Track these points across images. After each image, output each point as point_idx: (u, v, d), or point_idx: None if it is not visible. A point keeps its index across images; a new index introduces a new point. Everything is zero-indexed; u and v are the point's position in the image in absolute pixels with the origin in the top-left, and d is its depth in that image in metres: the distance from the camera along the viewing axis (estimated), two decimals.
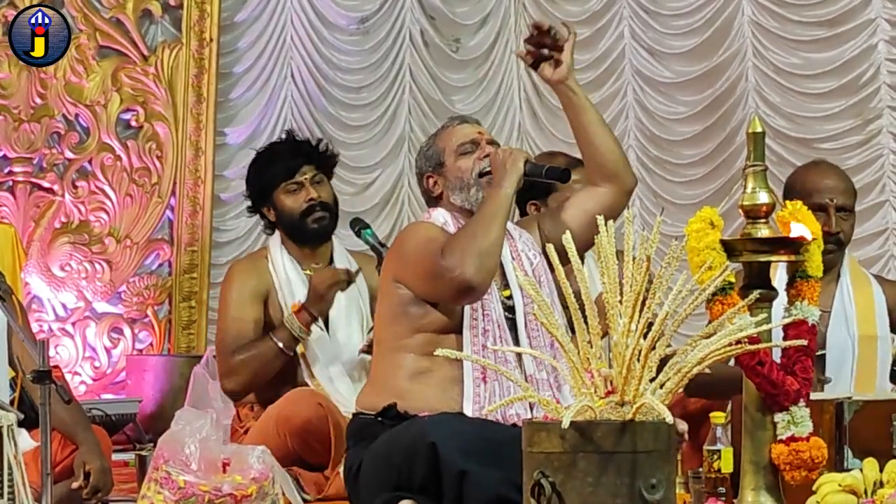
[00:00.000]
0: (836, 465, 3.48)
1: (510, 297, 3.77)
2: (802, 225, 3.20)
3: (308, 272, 4.77)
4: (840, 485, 3.22)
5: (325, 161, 4.86)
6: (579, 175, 4.12)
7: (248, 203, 4.92)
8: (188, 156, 7.48)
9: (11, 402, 3.97)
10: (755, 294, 3.07)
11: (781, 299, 3.26)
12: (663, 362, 2.72)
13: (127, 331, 7.44)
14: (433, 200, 3.90)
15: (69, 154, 7.36)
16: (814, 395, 3.34)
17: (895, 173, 7.53)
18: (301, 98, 7.91)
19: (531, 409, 3.61)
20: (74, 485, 4.00)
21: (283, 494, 3.57)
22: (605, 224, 2.82)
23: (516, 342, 3.71)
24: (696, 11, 7.93)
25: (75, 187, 7.37)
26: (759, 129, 3.23)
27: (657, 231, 2.83)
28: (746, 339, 2.84)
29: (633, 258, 2.75)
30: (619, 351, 2.68)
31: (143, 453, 4.11)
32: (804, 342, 3.10)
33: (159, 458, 3.45)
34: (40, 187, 7.32)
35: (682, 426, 3.68)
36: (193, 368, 5.99)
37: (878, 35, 7.53)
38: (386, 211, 8.04)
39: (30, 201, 7.29)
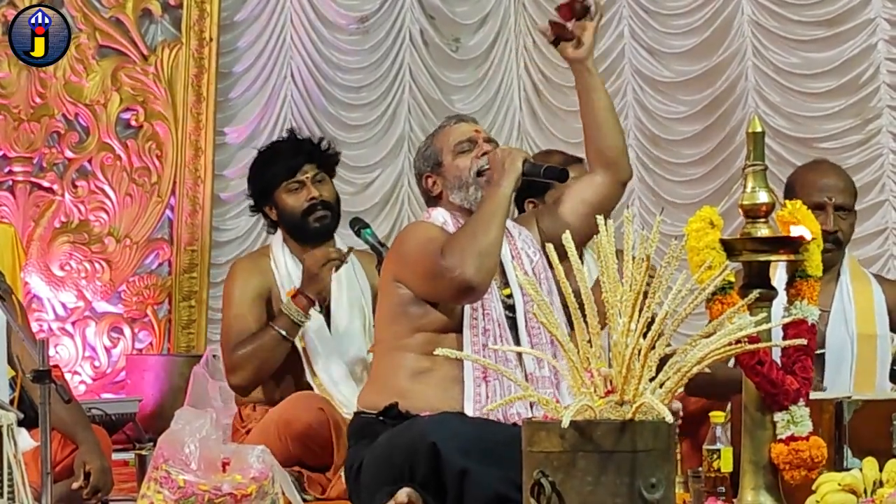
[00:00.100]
0: (836, 464, 3.49)
1: (510, 296, 3.77)
2: (802, 226, 3.20)
3: None
4: (840, 484, 3.22)
5: (326, 160, 4.85)
6: (576, 173, 4.13)
7: (250, 202, 4.91)
8: (188, 155, 7.48)
9: (11, 402, 3.97)
10: (755, 293, 3.08)
11: (781, 299, 3.27)
12: (663, 362, 2.72)
13: (127, 330, 7.44)
14: (432, 200, 3.91)
15: (69, 153, 7.36)
16: (813, 395, 3.35)
17: (895, 172, 7.52)
18: (301, 97, 7.91)
19: (532, 408, 3.61)
20: (74, 485, 4.00)
21: (283, 494, 3.57)
22: (605, 221, 2.82)
23: (517, 341, 3.71)
24: (696, 11, 7.92)
25: (75, 187, 7.37)
26: (759, 129, 3.23)
27: (657, 230, 2.83)
28: (746, 339, 2.84)
29: (633, 258, 2.75)
30: (619, 350, 2.68)
31: (143, 453, 4.11)
32: (804, 341, 3.11)
33: (159, 457, 3.45)
34: (40, 187, 7.32)
35: (676, 404, 3.68)
36: (193, 368, 6.00)
37: (877, 34, 7.53)
38: (386, 210, 8.04)
39: (29, 201, 7.29)
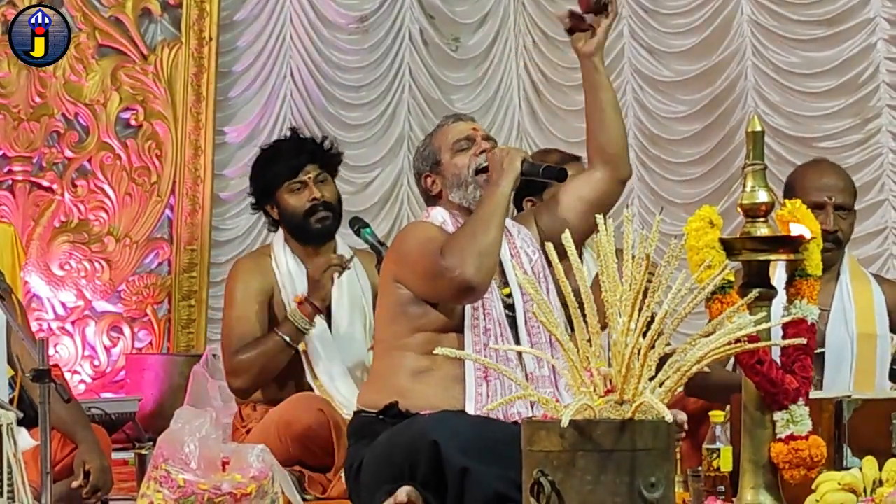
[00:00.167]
0: (836, 463, 3.49)
1: (510, 296, 3.77)
2: (801, 225, 3.20)
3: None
4: (839, 483, 3.22)
5: (329, 160, 4.84)
6: (574, 171, 4.13)
7: (252, 200, 4.89)
8: (187, 155, 7.48)
9: (11, 401, 3.96)
10: (754, 293, 3.08)
11: (781, 298, 3.27)
12: (662, 361, 2.72)
13: (126, 330, 7.44)
14: (432, 199, 3.91)
15: (69, 153, 7.36)
16: (813, 394, 3.35)
17: (894, 172, 7.52)
18: (300, 97, 7.91)
19: (532, 407, 3.61)
20: (74, 484, 4.00)
21: (283, 493, 3.57)
22: (605, 220, 2.82)
23: (517, 340, 3.71)
24: (696, 10, 7.92)
25: (75, 186, 7.37)
26: (759, 128, 3.23)
27: (656, 230, 2.83)
28: (746, 338, 2.84)
29: (633, 257, 2.75)
30: (619, 349, 2.68)
31: (143, 452, 4.11)
32: (803, 341, 3.11)
33: (159, 456, 3.45)
34: (40, 186, 7.32)
35: (682, 416, 3.68)
36: (193, 367, 6.01)
37: (877, 34, 7.53)
38: (385, 210, 8.04)
39: (29, 200, 7.29)
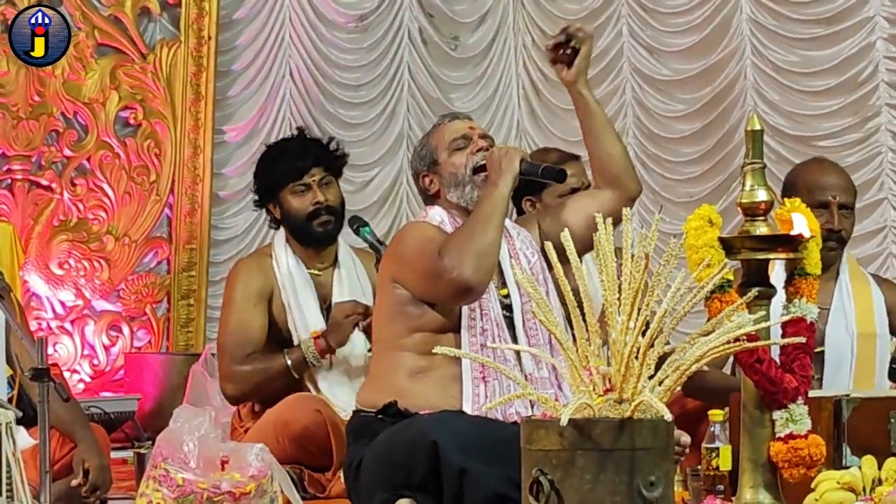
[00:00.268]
0: (835, 462, 3.49)
1: (507, 296, 3.77)
2: (803, 217, 3.20)
3: (312, 272, 4.76)
4: (838, 482, 3.22)
5: (334, 162, 4.80)
6: (574, 170, 4.13)
7: (255, 196, 4.87)
8: (187, 154, 7.48)
9: (10, 400, 3.96)
10: (753, 291, 3.08)
11: (780, 297, 3.26)
12: (662, 360, 2.72)
13: (125, 329, 7.44)
14: (430, 199, 3.90)
15: (68, 152, 7.35)
16: (812, 393, 3.34)
17: (893, 171, 7.53)
18: (300, 96, 7.90)
19: (531, 407, 3.61)
20: (73, 483, 4.00)
21: (282, 492, 3.57)
22: (604, 220, 2.82)
23: (514, 341, 3.71)
24: (695, 9, 7.92)
25: (74, 185, 7.36)
26: (758, 127, 3.23)
27: (655, 229, 2.83)
28: (745, 337, 2.84)
29: (632, 256, 2.75)
30: (618, 348, 2.68)
31: (142, 451, 4.11)
32: (803, 339, 3.10)
33: (158, 455, 3.45)
34: (39, 185, 7.31)
35: (685, 438, 3.68)
36: (192, 366, 5.99)
37: (876, 33, 7.53)
38: (385, 209, 8.03)
39: (28, 199, 7.28)
